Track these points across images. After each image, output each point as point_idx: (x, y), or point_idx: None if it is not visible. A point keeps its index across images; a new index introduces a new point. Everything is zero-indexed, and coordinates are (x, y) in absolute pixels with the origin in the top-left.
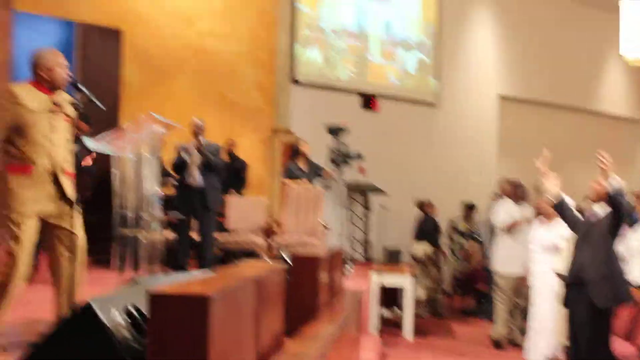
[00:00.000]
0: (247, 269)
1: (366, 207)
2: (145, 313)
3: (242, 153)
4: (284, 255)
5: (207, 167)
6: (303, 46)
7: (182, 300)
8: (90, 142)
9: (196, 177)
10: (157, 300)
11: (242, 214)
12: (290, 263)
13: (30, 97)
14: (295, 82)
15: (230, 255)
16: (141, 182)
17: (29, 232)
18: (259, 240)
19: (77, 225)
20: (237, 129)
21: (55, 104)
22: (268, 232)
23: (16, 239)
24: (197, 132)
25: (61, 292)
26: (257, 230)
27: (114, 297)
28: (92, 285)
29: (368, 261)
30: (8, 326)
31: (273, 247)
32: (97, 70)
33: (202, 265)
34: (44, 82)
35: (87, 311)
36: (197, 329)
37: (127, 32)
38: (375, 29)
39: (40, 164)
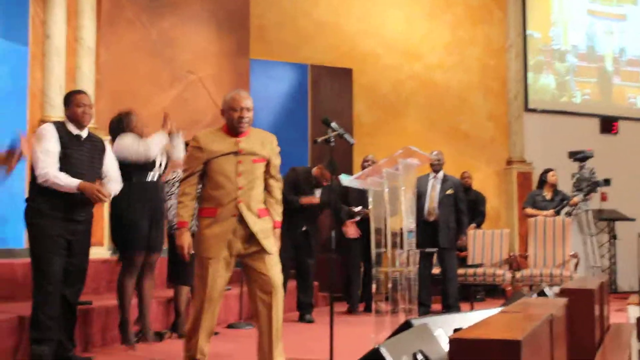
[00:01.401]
0: (534, 307)
1: (612, 235)
2: (431, 359)
3: (476, 185)
4: (546, 290)
5: (447, 202)
6: (535, 72)
7: (490, 345)
8: (345, 179)
9: (433, 213)
10: (460, 345)
11: (484, 247)
12: (553, 297)
13: (214, 140)
14: (528, 109)
15: (472, 290)
16: (398, 218)
17: (215, 274)
18: (505, 274)
19: (271, 267)
20: (470, 161)
21: (239, 146)
22: (512, 265)
23: (201, 279)
24: (436, 165)
25: (261, 335)
26: (500, 263)
27: (399, 342)
28: (351, 326)
29: (616, 292)
30: None
31: (520, 281)
32: (330, 109)
33: (445, 301)
34: (226, 123)
35: (375, 356)
36: None
37: (357, 70)
38: (609, 49)
39: (225, 207)
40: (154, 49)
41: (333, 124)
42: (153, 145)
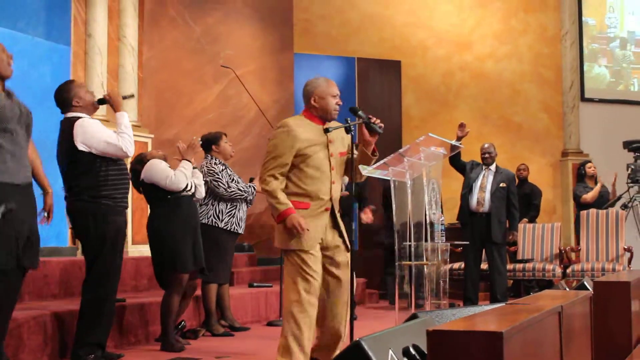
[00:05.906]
0: (545, 299)
1: None
2: (425, 353)
3: (530, 178)
4: (586, 283)
5: (500, 196)
6: (590, 61)
7: (468, 338)
8: (365, 170)
9: (485, 204)
10: (437, 337)
11: (534, 241)
12: (592, 291)
13: (304, 128)
14: (585, 99)
15: (524, 286)
16: (421, 209)
17: (316, 267)
18: (554, 269)
19: (345, 264)
20: (523, 153)
21: (329, 137)
22: (564, 260)
23: (303, 275)
24: (487, 158)
25: (321, 326)
26: (551, 258)
27: (389, 335)
28: (373, 319)
29: None
30: None
31: (570, 276)
32: (379, 102)
33: (493, 297)
34: (315, 111)
35: (356, 350)
36: None
37: (406, 62)
38: None
39: (318, 200)
40: (198, 46)
41: (360, 112)
42: (182, 178)
